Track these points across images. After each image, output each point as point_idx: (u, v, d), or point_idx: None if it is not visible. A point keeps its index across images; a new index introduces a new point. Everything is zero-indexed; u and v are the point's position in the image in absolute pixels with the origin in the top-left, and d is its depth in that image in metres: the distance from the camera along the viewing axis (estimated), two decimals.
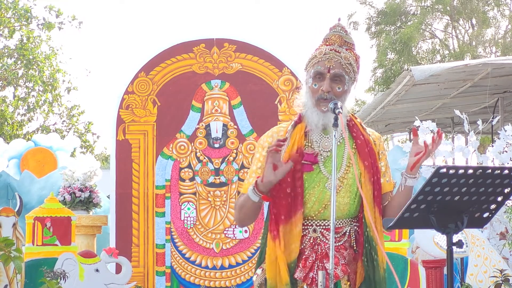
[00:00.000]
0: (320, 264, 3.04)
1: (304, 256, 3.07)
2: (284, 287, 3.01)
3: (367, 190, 3.07)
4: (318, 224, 3.10)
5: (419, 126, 7.22)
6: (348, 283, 3.10)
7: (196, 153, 6.61)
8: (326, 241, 3.06)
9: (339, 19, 3.24)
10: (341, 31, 3.19)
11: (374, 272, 3.07)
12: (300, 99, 3.21)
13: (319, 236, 3.09)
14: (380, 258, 3.09)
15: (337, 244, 3.08)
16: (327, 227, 3.08)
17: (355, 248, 3.12)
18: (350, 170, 3.11)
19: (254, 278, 3.17)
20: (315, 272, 3.03)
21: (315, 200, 3.09)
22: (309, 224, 3.10)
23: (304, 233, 3.09)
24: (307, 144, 3.13)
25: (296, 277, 3.05)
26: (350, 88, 3.16)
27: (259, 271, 3.14)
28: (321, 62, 3.12)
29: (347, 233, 3.12)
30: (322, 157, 3.11)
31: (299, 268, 3.05)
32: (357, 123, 3.21)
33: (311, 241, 3.08)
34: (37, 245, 5.92)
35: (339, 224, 3.11)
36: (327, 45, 3.17)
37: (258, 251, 3.21)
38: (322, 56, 3.13)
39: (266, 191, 3.03)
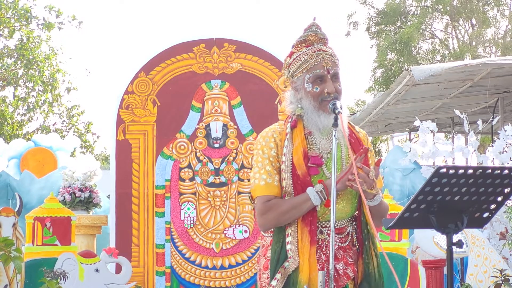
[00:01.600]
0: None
1: None
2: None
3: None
4: (324, 226, 3.10)
5: (419, 126, 7.22)
6: (353, 282, 3.11)
7: (196, 153, 6.61)
8: (334, 242, 3.06)
9: (314, 18, 3.24)
10: (316, 30, 3.19)
11: (374, 268, 3.08)
12: (291, 105, 3.18)
13: (326, 238, 3.09)
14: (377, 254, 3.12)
15: (343, 245, 3.10)
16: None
17: (357, 246, 3.14)
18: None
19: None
20: (324, 274, 3.02)
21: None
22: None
23: None
24: (309, 146, 3.13)
25: None
26: None
27: (274, 282, 3.05)
28: (319, 65, 3.12)
29: (350, 233, 3.14)
30: (324, 159, 3.11)
31: None
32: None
33: (319, 243, 3.08)
34: (37, 245, 5.92)
35: (342, 224, 3.13)
36: (306, 46, 3.16)
37: (269, 261, 3.10)
38: (315, 59, 3.12)
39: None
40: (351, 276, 3.07)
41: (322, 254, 3.06)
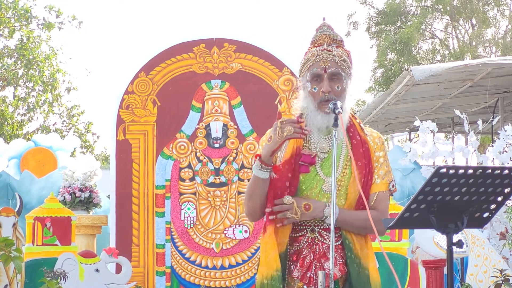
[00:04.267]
0: (318, 264, 3.05)
1: (302, 256, 3.08)
2: (274, 272, 3.01)
3: (355, 190, 3.08)
4: (316, 224, 3.10)
5: (419, 126, 7.22)
6: (342, 279, 3.11)
7: (196, 153, 6.61)
8: (324, 241, 3.08)
9: (323, 19, 3.25)
10: (328, 30, 3.20)
11: (356, 271, 3.06)
12: (298, 103, 3.22)
13: (317, 236, 3.09)
14: (361, 258, 3.10)
15: (334, 244, 3.09)
16: (324, 227, 3.09)
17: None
18: (347, 171, 3.12)
19: (256, 277, 3.16)
20: (312, 272, 3.04)
21: None
22: (307, 224, 3.11)
23: (302, 233, 3.10)
24: (305, 145, 3.14)
25: (294, 276, 3.06)
26: (348, 84, 3.17)
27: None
28: (316, 64, 3.13)
29: (342, 233, 3.13)
30: (319, 159, 3.12)
31: (297, 268, 3.06)
32: (355, 123, 3.21)
33: (309, 241, 3.09)
34: (37, 245, 5.92)
35: (336, 224, 3.11)
36: (316, 46, 3.17)
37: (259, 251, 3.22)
38: (315, 58, 3.13)
39: (270, 161, 3.04)
40: (338, 275, 3.06)
41: (311, 253, 3.07)
